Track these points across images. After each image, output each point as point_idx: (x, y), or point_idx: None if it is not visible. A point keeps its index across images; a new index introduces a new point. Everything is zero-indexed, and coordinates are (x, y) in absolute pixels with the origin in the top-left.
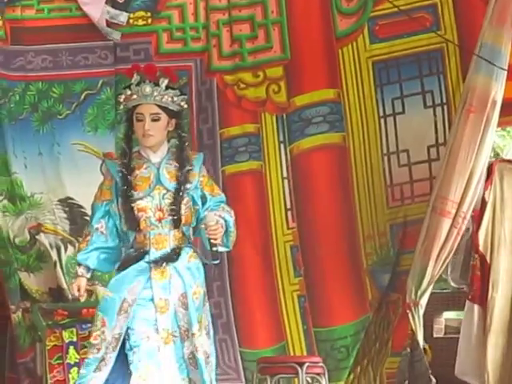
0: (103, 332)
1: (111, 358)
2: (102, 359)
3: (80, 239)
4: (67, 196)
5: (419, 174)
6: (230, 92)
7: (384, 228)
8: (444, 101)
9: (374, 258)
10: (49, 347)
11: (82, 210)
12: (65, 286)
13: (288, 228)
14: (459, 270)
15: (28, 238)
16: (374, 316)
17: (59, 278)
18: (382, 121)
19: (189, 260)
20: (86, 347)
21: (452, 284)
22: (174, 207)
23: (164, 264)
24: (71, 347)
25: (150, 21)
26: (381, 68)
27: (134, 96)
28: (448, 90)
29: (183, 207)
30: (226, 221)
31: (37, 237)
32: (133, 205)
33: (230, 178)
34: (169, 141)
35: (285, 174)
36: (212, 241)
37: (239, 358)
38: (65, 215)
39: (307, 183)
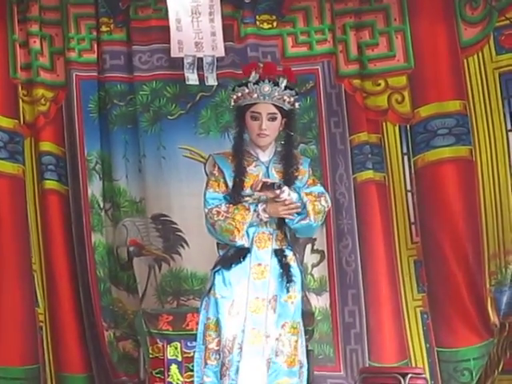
0: (218, 336)
1: (230, 361)
2: (223, 364)
3: (173, 256)
4: (160, 213)
5: None
6: (359, 96)
7: (510, 246)
8: None
9: (498, 277)
10: (151, 356)
11: (175, 226)
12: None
13: (412, 242)
14: None
15: (127, 256)
16: (497, 338)
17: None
18: (511, 135)
19: (288, 262)
20: (190, 370)
21: None
22: None
23: (264, 263)
24: (174, 365)
25: (275, 24)
26: (507, 79)
27: (254, 94)
28: None
29: None
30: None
31: (134, 259)
32: (241, 202)
33: (361, 186)
34: (276, 140)
35: (408, 187)
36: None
37: None
38: (157, 233)
39: (432, 196)
